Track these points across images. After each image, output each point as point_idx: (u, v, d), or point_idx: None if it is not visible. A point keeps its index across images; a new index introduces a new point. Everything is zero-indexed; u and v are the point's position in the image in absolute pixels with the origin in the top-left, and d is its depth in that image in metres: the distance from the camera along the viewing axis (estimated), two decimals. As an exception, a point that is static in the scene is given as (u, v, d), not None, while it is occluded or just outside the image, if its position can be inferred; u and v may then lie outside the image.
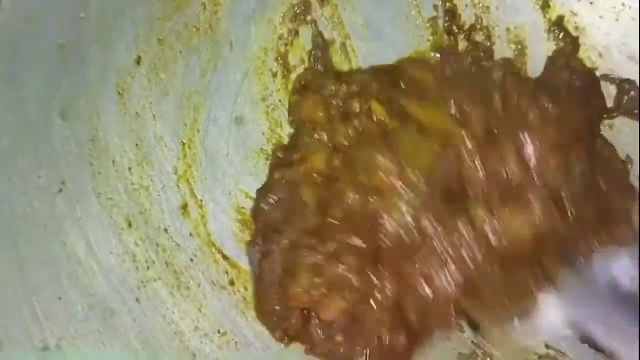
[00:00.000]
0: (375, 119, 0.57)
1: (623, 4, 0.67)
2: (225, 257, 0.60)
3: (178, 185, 0.60)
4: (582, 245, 0.50)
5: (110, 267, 0.53)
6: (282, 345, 0.58)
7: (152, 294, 0.55)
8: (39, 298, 0.47)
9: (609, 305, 0.47)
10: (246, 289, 0.59)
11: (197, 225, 0.60)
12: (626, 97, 0.65)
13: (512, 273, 0.50)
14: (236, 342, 0.57)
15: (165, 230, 0.58)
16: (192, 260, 0.59)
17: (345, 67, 0.65)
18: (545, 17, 0.70)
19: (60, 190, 0.52)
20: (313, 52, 0.65)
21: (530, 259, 0.50)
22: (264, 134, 0.67)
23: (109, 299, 0.52)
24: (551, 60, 0.66)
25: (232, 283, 0.59)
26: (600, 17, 0.68)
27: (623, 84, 0.65)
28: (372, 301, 0.51)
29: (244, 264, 0.60)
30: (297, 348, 0.59)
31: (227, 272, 0.59)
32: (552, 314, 0.49)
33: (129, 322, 0.52)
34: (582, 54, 0.69)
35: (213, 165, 0.63)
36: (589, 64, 0.68)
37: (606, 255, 0.49)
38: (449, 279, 0.50)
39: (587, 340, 0.51)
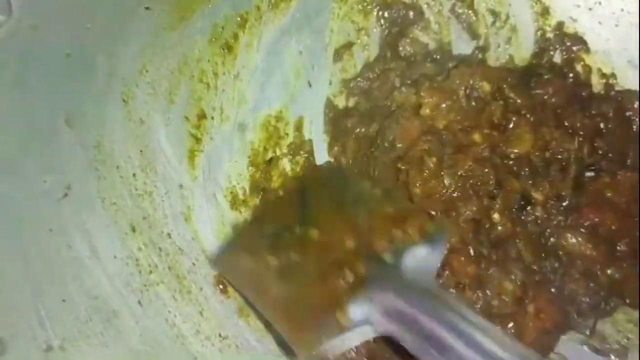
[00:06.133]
0: None
1: (622, 9, 0.67)
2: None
3: (181, 191, 0.61)
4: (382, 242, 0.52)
5: (113, 270, 0.54)
6: (281, 350, 0.59)
7: (154, 297, 0.56)
8: (43, 299, 0.48)
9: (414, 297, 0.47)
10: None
11: (197, 230, 0.61)
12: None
13: (322, 283, 0.50)
14: (237, 345, 0.58)
15: (168, 234, 0.59)
16: (194, 264, 0.59)
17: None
18: (544, 22, 0.71)
19: (66, 195, 0.53)
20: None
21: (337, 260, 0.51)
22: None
23: (112, 301, 0.52)
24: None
25: (227, 289, 0.60)
26: (600, 22, 0.69)
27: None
28: None
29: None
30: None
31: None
32: (360, 318, 0.48)
33: (132, 324, 0.53)
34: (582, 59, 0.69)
35: (215, 171, 0.64)
36: (587, 70, 0.68)
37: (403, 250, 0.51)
38: None
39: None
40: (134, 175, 0.58)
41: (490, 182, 0.57)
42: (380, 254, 0.51)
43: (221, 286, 0.60)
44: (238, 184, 0.66)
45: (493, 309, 0.55)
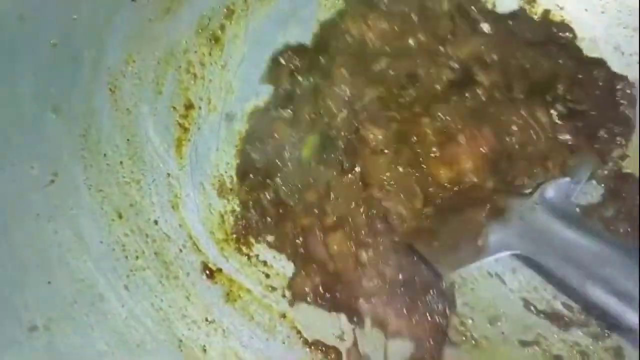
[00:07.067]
0: None
1: (607, -4, 0.67)
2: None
3: (168, 179, 0.62)
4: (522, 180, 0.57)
5: (99, 255, 0.55)
6: (268, 335, 0.60)
7: (140, 282, 0.57)
8: (27, 281, 0.49)
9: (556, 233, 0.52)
10: (230, 280, 0.61)
11: (185, 218, 0.62)
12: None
13: (464, 214, 0.56)
14: (223, 330, 0.59)
15: (155, 222, 0.60)
16: (180, 250, 0.60)
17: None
18: (531, 10, 0.71)
19: (52, 181, 0.54)
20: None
21: (479, 197, 0.57)
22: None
23: (97, 285, 0.54)
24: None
25: (214, 275, 0.61)
26: (586, 10, 0.69)
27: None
28: None
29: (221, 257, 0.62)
30: (282, 337, 0.60)
31: (214, 264, 0.61)
32: (498, 243, 0.55)
33: (117, 308, 0.54)
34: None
35: (203, 160, 0.65)
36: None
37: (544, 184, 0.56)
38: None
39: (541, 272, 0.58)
40: (121, 163, 0.60)
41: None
42: (520, 189, 0.57)
43: (207, 272, 0.61)
44: (225, 172, 0.66)
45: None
